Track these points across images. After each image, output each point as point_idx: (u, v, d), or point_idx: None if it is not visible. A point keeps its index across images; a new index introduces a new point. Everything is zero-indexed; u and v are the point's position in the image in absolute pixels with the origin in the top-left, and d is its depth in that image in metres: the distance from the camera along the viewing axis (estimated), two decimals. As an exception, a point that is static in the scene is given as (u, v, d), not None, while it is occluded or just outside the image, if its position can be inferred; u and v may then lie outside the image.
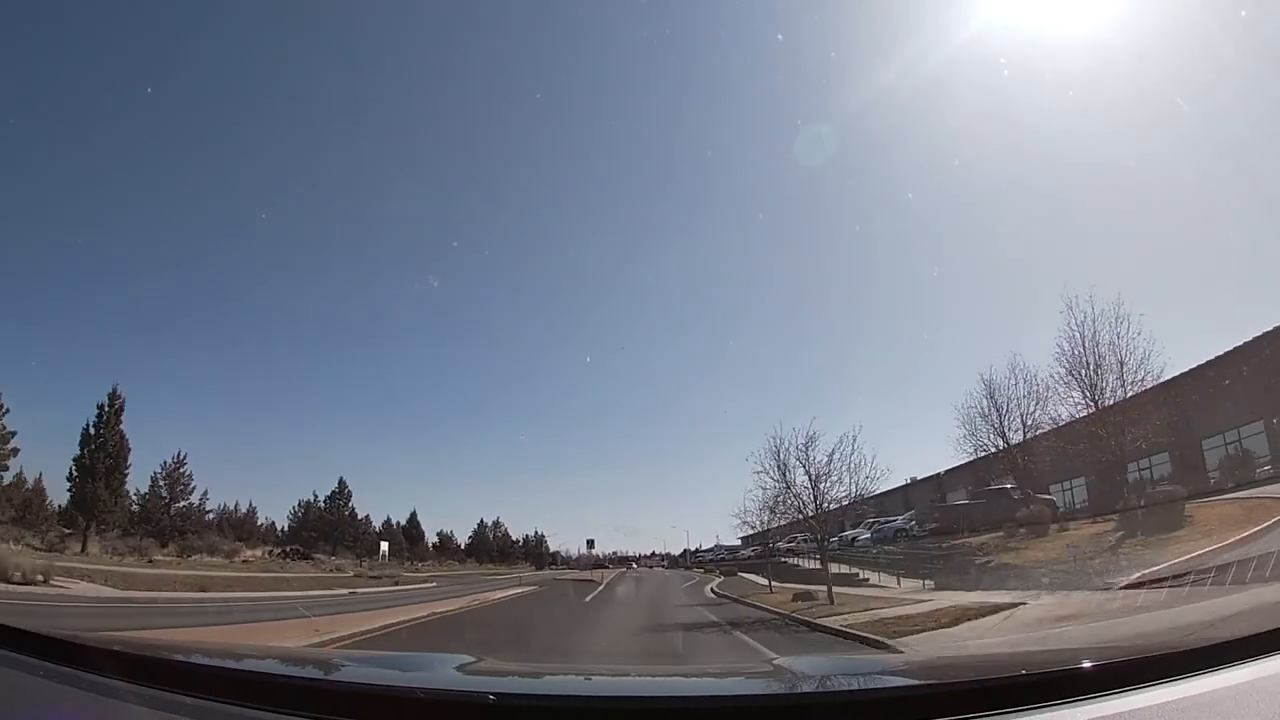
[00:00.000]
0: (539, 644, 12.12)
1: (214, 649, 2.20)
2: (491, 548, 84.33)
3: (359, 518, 60.99)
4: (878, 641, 10.04)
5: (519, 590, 30.11)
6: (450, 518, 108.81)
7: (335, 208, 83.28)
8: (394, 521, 76.12)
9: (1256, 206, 41.06)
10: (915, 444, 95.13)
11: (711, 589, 30.75)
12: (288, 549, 46.06)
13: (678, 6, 52.87)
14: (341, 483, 61.68)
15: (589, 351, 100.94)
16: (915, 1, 44.29)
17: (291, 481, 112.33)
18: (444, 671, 1.97)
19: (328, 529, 55.42)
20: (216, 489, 77.90)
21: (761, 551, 40.24)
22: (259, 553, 44.50)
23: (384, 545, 55.10)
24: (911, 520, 29.95)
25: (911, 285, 79.39)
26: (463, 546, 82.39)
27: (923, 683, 1.70)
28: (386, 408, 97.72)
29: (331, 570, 40.52)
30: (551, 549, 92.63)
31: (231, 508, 60.10)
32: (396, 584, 34.11)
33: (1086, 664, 1.34)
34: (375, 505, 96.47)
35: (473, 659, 2.11)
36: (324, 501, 58.27)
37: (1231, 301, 43.98)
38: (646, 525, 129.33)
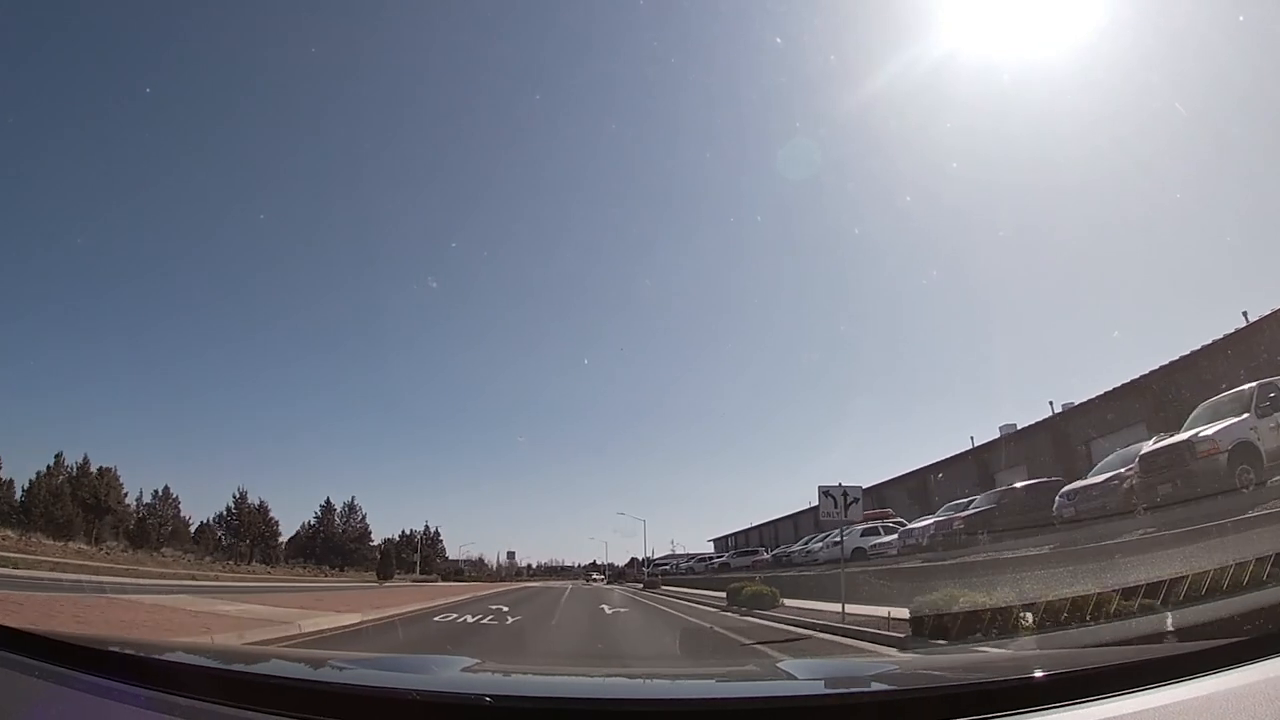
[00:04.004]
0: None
1: (210, 650, 2.16)
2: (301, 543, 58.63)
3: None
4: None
5: None
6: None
7: (335, 207, 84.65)
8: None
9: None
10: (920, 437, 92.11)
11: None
12: None
13: (676, 11, 53.13)
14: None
15: (576, 353, 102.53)
16: (913, 6, 44.55)
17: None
18: (443, 673, 1.96)
19: None
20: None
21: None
22: None
23: None
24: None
25: (908, 288, 79.81)
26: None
27: (923, 685, 1.70)
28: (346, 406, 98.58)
29: None
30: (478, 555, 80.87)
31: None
32: None
33: (1084, 667, 1.36)
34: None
35: (474, 660, 2.09)
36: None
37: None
38: (633, 532, 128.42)
